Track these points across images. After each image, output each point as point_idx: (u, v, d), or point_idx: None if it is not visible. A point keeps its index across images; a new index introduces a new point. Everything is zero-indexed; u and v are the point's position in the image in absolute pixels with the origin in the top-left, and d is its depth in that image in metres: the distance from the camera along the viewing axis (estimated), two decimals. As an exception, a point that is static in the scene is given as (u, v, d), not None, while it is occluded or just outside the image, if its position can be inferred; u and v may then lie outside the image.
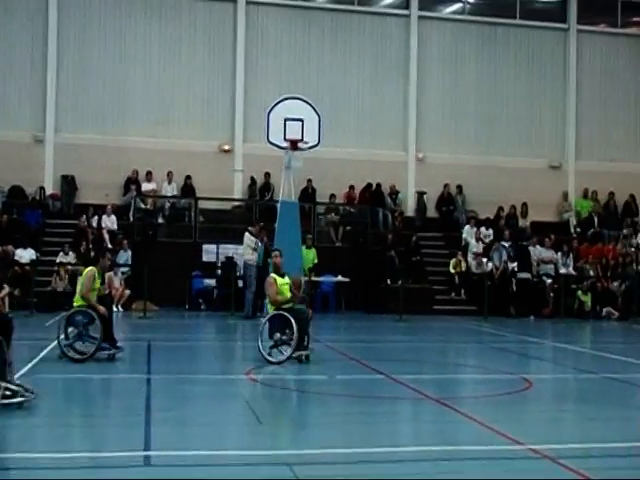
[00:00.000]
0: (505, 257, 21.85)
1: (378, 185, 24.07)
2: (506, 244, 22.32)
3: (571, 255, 22.75)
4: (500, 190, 24.42)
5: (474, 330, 17.70)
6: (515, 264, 21.96)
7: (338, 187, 23.73)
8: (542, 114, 25.83)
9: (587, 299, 21.65)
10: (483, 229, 23.26)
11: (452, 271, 21.91)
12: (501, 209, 24.33)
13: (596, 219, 25.02)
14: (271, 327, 11.29)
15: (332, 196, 23.58)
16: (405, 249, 22.31)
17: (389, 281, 21.11)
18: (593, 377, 11.31)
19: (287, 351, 11.02)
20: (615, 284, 22.25)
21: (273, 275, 11.62)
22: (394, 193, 24.35)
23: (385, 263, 21.46)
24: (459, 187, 24.68)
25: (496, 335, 16.96)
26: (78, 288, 11.28)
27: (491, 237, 23.12)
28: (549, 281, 21.76)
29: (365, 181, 24.03)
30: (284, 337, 11.15)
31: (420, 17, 25.15)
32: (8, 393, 7.60)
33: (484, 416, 7.97)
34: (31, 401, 7.70)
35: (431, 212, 24.82)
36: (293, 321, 11.00)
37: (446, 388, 10.01)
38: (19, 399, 7.66)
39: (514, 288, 21.61)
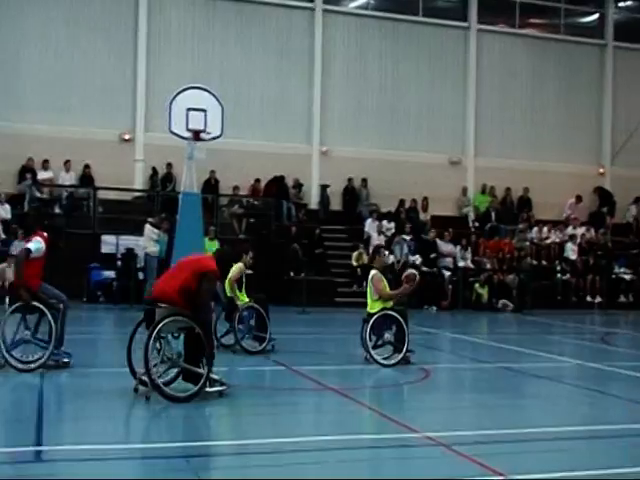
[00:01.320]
0: (406, 250, 22.24)
1: (282, 178, 24.06)
2: (407, 237, 22.72)
3: (469, 249, 23.36)
4: (402, 184, 24.81)
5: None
6: (417, 257, 22.40)
7: (242, 179, 23.59)
8: (443, 111, 26.34)
9: (484, 291, 22.26)
10: (385, 222, 23.60)
11: (354, 264, 22.11)
12: (402, 203, 24.73)
13: (493, 214, 25.73)
14: (377, 327, 10.78)
15: (236, 188, 23.43)
16: (308, 242, 22.41)
17: (292, 273, 21.17)
18: (488, 366, 11.64)
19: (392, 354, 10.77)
20: (510, 277, 22.95)
21: (377, 273, 11.08)
22: (298, 186, 24.40)
23: (288, 256, 21.50)
24: (364, 180, 24.93)
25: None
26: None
27: (393, 230, 23.48)
28: (448, 274, 22.28)
29: (269, 173, 23.97)
30: (389, 337, 10.79)
31: (325, 11, 25.26)
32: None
33: (383, 406, 8.10)
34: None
35: (335, 205, 24.98)
36: (402, 321, 10.70)
37: (346, 379, 10.09)
38: (218, 388, 8.05)
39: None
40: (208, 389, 7.94)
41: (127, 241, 20.28)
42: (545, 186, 26.29)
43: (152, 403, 7.62)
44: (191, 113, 16.89)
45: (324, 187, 24.79)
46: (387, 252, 22.04)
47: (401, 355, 10.63)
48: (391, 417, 7.42)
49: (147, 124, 23.37)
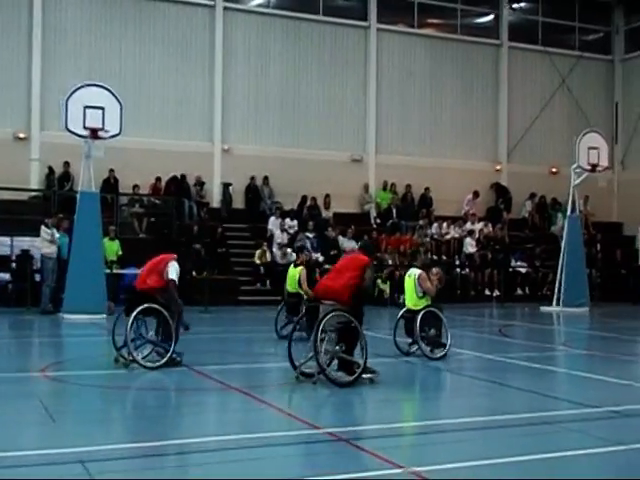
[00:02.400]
0: (309, 247, 22.30)
1: (183, 176, 23.77)
2: (310, 235, 22.82)
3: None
4: (304, 182, 24.89)
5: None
6: (319, 254, 22.51)
7: (142, 178, 23.14)
8: (344, 109, 26.55)
9: (386, 287, 22.58)
10: (288, 220, 23.64)
11: (257, 262, 22.08)
12: (305, 200, 24.82)
13: (394, 210, 26.11)
14: (422, 323, 11.34)
15: (136, 187, 22.99)
16: (211, 240, 22.23)
17: (194, 273, 20.93)
18: (390, 361, 11.77)
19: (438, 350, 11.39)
20: (412, 272, 23.30)
21: (423, 272, 11.70)
22: (200, 184, 24.15)
23: (190, 255, 21.24)
24: (266, 178, 24.88)
25: (300, 324, 17.28)
26: None
27: (296, 228, 23.55)
28: (351, 270, 22.44)
29: (170, 172, 23.62)
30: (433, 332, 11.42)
31: (225, 8, 25.06)
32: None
33: (284, 403, 8.09)
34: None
35: (237, 203, 24.84)
36: (443, 317, 11.47)
37: (248, 377, 10.06)
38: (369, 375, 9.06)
39: (318, 277, 22.07)
40: (364, 375, 9.02)
41: (22, 242, 19.64)
42: (444, 183, 26.85)
43: (51, 406, 7.39)
44: (88, 111, 16.58)
45: (226, 185, 24.61)
46: (290, 249, 22.32)
47: (446, 349, 11.43)
48: (294, 414, 7.44)
49: (43, 122, 22.66)
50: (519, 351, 13.41)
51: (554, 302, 21.46)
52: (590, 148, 21.80)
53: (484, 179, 28.16)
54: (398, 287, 22.60)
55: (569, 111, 29.59)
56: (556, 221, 27.67)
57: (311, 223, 23.39)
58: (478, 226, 26.37)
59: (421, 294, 11.58)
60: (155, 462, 5.90)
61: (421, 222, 25.58)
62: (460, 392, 9.32)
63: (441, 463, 5.75)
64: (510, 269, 25.36)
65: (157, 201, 23.59)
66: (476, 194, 27.37)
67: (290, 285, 14.15)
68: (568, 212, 22.31)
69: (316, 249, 22.69)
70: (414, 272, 11.75)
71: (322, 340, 8.86)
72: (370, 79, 26.81)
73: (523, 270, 25.52)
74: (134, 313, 9.88)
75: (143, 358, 10.02)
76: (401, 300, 22.00)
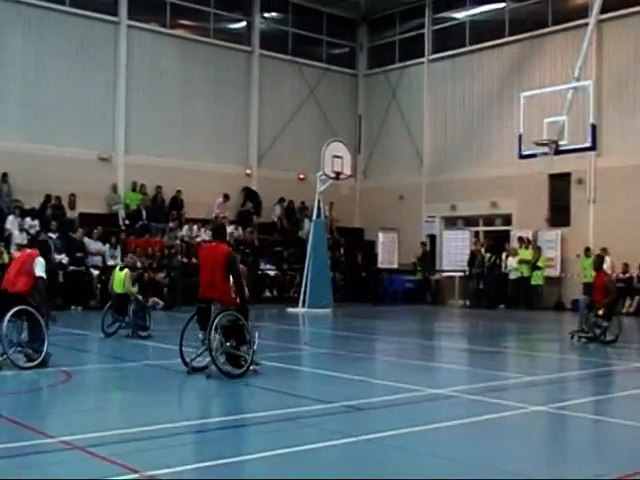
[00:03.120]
0: (52, 249, 21.23)
1: None
2: (53, 235, 21.75)
3: (119, 247, 23.02)
4: (48, 179, 23.65)
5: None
6: (63, 256, 21.54)
7: None
8: (92, 105, 25.60)
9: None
10: (28, 219, 22.36)
11: (-6, 263, 20.66)
12: (48, 199, 23.62)
13: (144, 212, 25.61)
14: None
15: None
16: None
17: None
18: (134, 365, 11.54)
19: None
20: (161, 275, 23.07)
21: None
22: None
23: None
24: (4, 175, 23.32)
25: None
26: None
27: (37, 228, 22.33)
28: (96, 273, 21.74)
29: None
30: None
31: None
32: None
33: (17, 412, 7.60)
34: None
35: (-28, 201, 23.08)
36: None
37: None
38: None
39: (61, 280, 21.16)
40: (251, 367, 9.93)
41: None
42: (196, 185, 26.77)
43: None
44: None
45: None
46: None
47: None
48: (25, 424, 6.98)
49: None
50: (266, 351, 13.63)
51: (300, 304, 22.17)
52: (335, 157, 22.80)
53: (235, 183, 28.47)
54: (148, 290, 22.33)
55: (317, 120, 30.77)
56: (303, 225, 28.65)
57: (54, 223, 22.30)
58: (229, 229, 26.56)
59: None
60: None
61: (171, 224, 25.33)
62: (202, 393, 9.30)
63: (175, 466, 5.65)
64: (259, 272, 25.84)
65: None
66: (226, 197, 27.60)
67: (117, 287, 14.92)
68: (314, 217, 23.16)
69: (60, 250, 21.65)
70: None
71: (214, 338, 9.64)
72: (119, 76, 26.10)
73: (272, 273, 26.13)
74: (7, 317, 9.71)
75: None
76: (150, 303, 21.85)
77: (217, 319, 9.70)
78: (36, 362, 9.99)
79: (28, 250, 10.63)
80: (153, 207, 26.08)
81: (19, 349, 10.14)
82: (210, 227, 11.94)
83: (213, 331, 9.59)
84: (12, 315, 9.85)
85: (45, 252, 10.58)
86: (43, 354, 10.05)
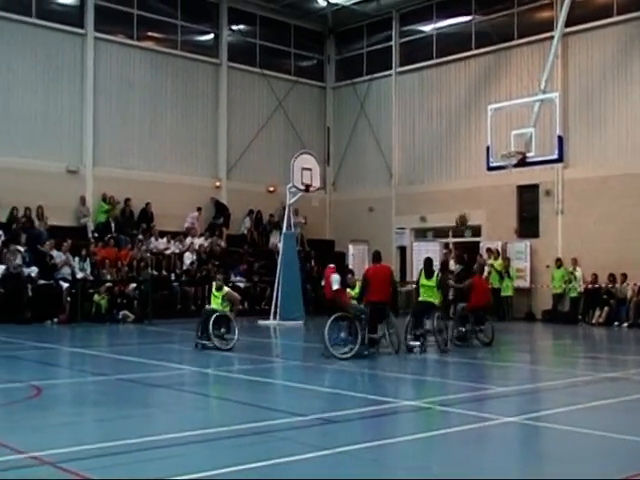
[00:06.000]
0: (20, 261, 21.07)
1: None
2: (22, 248, 21.54)
3: (88, 260, 22.83)
4: (16, 192, 23.36)
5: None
6: (33, 268, 21.34)
7: None
8: (60, 118, 25.41)
9: (104, 302, 21.93)
10: (-2, 232, 22.12)
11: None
12: (16, 211, 23.37)
13: (113, 224, 25.44)
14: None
15: None
16: None
17: None
18: (106, 379, 11.43)
19: None
20: (131, 287, 22.90)
21: None
22: None
23: None
24: (-30, 188, 23.08)
25: (8, 343, 16.25)
26: None
27: (2, 238, 22.08)
28: (66, 285, 21.53)
29: None
30: None
31: None
32: None
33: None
34: None
35: None
36: None
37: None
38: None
39: (30, 293, 20.94)
40: None
41: None
42: (166, 197, 26.68)
43: None
44: None
45: None
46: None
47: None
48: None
49: None
50: (237, 364, 13.60)
51: (271, 316, 22.11)
52: (304, 169, 22.80)
53: (205, 195, 28.39)
54: (118, 303, 22.20)
55: (285, 133, 30.83)
56: (272, 238, 28.62)
57: (23, 236, 22.06)
58: (198, 241, 26.53)
59: None
60: None
61: (141, 236, 25.19)
62: (177, 407, 9.22)
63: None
64: (230, 284, 25.70)
65: None
66: (200, 210, 27.57)
67: None
68: (284, 229, 23.15)
69: (29, 264, 21.44)
70: None
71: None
72: (87, 88, 25.92)
73: (242, 285, 26.05)
74: None
75: None
76: (120, 316, 21.77)
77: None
78: None
79: None
80: (122, 219, 25.90)
81: None
82: (374, 253, 15.37)
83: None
84: None
85: None
86: None
